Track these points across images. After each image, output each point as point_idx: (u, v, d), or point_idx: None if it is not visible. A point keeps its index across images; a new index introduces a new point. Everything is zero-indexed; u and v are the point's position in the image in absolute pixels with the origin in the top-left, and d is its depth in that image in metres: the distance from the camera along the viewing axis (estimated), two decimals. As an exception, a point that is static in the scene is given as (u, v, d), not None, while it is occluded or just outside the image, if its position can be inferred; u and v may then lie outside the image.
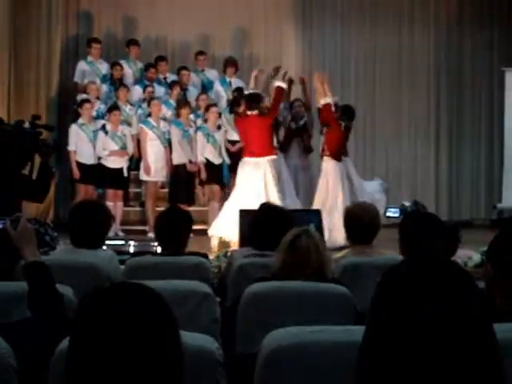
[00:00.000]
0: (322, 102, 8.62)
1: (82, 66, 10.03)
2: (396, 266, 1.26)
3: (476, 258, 5.84)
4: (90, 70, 9.98)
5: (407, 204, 6.07)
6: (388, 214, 5.91)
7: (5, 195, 4.34)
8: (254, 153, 8.03)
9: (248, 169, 8.06)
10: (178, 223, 3.84)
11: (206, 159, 9.27)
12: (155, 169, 9.22)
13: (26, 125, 5.02)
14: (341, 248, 5.91)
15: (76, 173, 9.03)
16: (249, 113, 8.12)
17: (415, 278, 1.22)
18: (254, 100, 8.17)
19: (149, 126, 9.24)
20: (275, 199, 7.49)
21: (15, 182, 4.69)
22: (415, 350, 1.15)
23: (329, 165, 8.58)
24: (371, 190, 7.52)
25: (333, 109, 8.63)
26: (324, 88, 8.67)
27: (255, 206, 7.12)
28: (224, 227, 7.79)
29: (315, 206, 8.10)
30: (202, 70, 10.46)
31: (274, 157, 8.16)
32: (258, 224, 3.88)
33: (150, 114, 9.37)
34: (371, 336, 1.22)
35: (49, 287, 2.23)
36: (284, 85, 8.32)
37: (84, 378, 1.23)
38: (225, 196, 9.50)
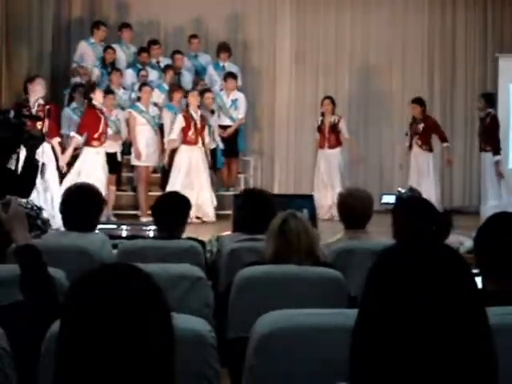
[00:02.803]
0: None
1: (82, 46, 9.94)
2: (388, 250, 1.25)
3: (468, 243, 5.86)
4: (91, 51, 9.90)
5: (403, 191, 6.08)
6: (384, 200, 5.95)
7: None
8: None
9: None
10: (176, 208, 3.87)
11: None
12: (147, 154, 9.19)
13: (11, 114, 4.80)
14: None
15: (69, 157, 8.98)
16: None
17: (407, 262, 1.20)
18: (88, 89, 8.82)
19: (137, 111, 9.19)
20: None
21: None
22: (407, 336, 1.14)
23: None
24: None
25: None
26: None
27: None
28: None
29: None
30: (196, 56, 10.41)
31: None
32: (243, 209, 3.93)
33: (139, 99, 9.33)
34: (363, 322, 1.21)
35: (40, 270, 2.22)
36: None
37: (74, 360, 1.23)
38: (218, 181, 9.56)
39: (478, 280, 2.40)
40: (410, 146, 9.69)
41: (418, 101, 9.70)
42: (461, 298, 1.16)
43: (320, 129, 9.87)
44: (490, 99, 9.27)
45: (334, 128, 9.77)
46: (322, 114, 9.89)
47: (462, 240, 5.97)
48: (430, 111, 11.58)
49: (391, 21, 11.46)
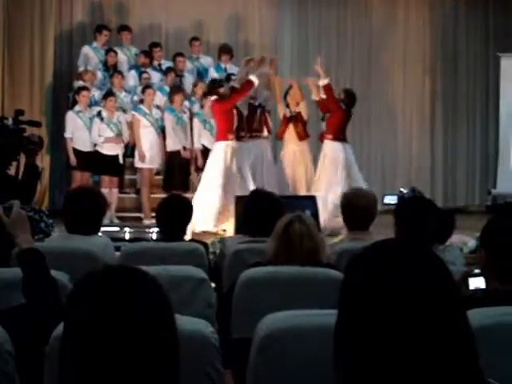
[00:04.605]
0: (322, 82, 8.63)
1: (86, 50, 9.99)
2: (365, 248, 1.26)
3: (471, 243, 5.86)
4: (95, 56, 9.94)
5: (405, 191, 6.08)
6: (386, 200, 5.95)
7: None
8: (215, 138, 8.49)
9: (211, 154, 8.42)
10: (178, 211, 3.87)
11: (203, 145, 9.27)
12: (150, 156, 9.20)
13: (9, 121, 4.78)
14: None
15: (73, 159, 9.01)
16: (210, 98, 8.38)
17: (378, 258, 1.20)
18: (213, 85, 8.55)
19: (141, 113, 9.20)
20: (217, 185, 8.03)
21: None
22: (374, 334, 1.13)
23: (332, 147, 8.60)
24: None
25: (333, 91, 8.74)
26: (320, 72, 8.77)
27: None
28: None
29: (316, 190, 8.24)
30: (197, 58, 10.43)
31: (228, 142, 8.24)
32: (249, 211, 3.91)
33: (142, 101, 9.34)
34: (339, 320, 1.21)
35: (43, 273, 2.22)
36: (255, 80, 8.32)
37: (78, 362, 1.23)
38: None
39: (481, 280, 2.41)
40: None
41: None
42: (429, 288, 1.15)
43: (291, 119, 8.88)
44: (352, 96, 8.83)
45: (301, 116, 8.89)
46: (288, 105, 8.95)
47: (465, 240, 5.97)
48: (433, 112, 11.61)
49: (392, 20, 11.47)
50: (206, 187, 8.15)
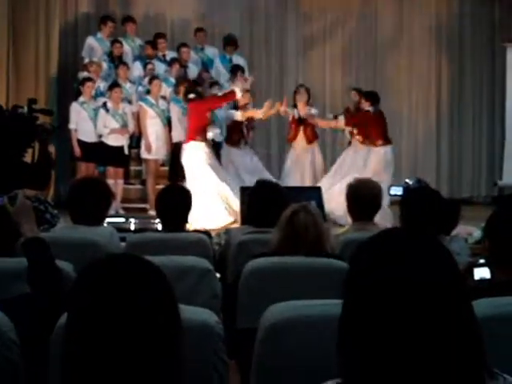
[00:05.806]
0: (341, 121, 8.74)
1: (90, 41, 9.97)
2: (370, 237, 1.25)
3: (476, 234, 5.86)
4: (99, 47, 9.93)
5: (410, 182, 6.07)
6: (392, 191, 5.95)
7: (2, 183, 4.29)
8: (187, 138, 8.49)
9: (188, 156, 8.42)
10: (178, 200, 3.85)
11: (208, 137, 9.27)
12: (156, 147, 9.20)
13: (24, 110, 4.89)
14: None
15: (77, 151, 9.01)
16: (190, 96, 8.44)
17: (382, 247, 1.20)
18: (194, 84, 8.70)
19: (148, 104, 9.19)
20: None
21: (14, 170, 4.61)
22: (381, 321, 1.13)
23: (386, 152, 8.54)
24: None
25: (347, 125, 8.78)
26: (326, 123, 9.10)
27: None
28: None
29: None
30: (202, 48, 10.40)
31: (198, 143, 8.32)
32: (254, 202, 3.90)
33: (148, 92, 9.33)
34: (344, 310, 1.20)
35: (48, 263, 2.23)
36: (239, 93, 8.44)
37: (82, 351, 1.23)
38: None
39: (486, 270, 2.40)
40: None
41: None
42: (433, 276, 1.14)
43: (300, 122, 8.94)
44: (372, 95, 8.75)
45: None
46: (295, 105, 8.98)
47: (470, 230, 5.97)
48: (438, 103, 11.57)
49: (398, 12, 11.41)
50: (201, 189, 8.03)
